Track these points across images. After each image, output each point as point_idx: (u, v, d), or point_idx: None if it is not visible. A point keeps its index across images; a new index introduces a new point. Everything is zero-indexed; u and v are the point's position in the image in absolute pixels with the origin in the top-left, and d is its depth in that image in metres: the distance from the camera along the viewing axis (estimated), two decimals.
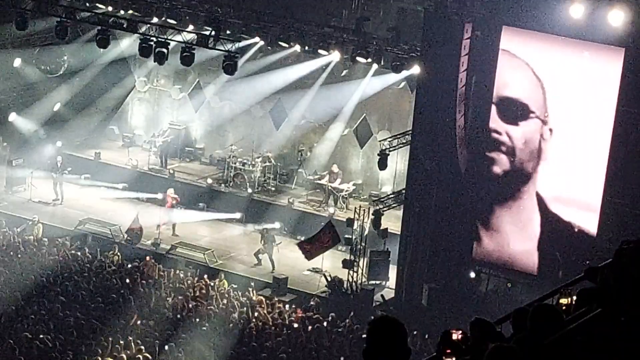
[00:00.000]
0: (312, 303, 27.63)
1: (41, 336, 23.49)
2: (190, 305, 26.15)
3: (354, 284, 29.05)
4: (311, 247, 29.22)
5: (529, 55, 26.28)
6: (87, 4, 32.16)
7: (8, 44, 33.88)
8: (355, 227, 29.59)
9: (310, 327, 25.24)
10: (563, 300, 7.50)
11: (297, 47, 31.57)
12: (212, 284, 28.10)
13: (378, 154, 30.22)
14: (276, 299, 27.83)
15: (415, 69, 28.86)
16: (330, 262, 30.32)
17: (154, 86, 38.22)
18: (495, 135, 26.90)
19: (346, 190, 33.45)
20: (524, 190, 26.81)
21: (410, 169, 28.95)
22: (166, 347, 23.57)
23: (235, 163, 34.78)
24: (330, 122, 34.86)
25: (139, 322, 24.77)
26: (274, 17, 31.39)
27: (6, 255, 28.54)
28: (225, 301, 26.66)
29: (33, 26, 31.93)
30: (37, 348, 23.00)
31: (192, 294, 26.99)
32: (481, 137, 27.12)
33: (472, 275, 27.51)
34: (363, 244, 29.58)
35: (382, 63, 30.14)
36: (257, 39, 31.80)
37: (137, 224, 31.14)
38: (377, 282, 29.48)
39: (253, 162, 34.82)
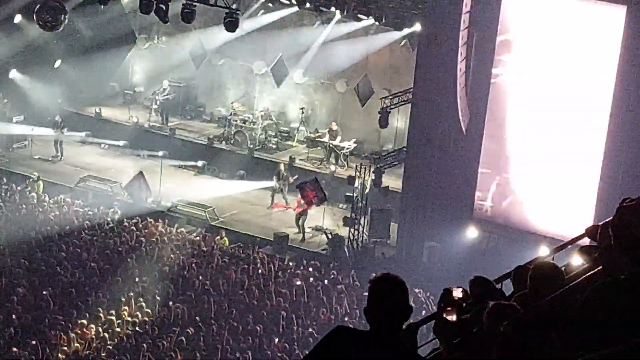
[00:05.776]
0: (313, 261, 27.70)
1: (44, 292, 23.64)
2: (192, 263, 26.22)
3: (355, 241, 29.12)
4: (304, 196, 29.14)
5: (531, 13, 26.16)
6: None
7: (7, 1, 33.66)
8: (356, 184, 29.61)
9: (311, 285, 25.32)
10: None
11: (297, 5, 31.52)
12: (213, 242, 28.18)
13: (379, 112, 30.17)
14: (277, 256, 27.91)
15: (417, 27, 28.77)
16: (331, 220, 30.39)
17: (155, 43, 38.06)
18: (496, 93, 26.85)
19: (347, 148, 33.41)
20: (524, 150, 26.79)
21: (411, 127, 28.91)
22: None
23: (236, 120, 34.71)
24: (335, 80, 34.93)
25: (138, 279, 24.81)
26: None
27: (9, 212, 28.59)
28: (226, 259, 26.76)
29: None
30: (37, 306, 23.13)
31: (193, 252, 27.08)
32: (482, 96, 27.05)
33: (473, 233, 27.55)
34: (364, 202, 29.61)
35: (383, 21, 30.00)
36: None
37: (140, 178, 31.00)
38: (378, 239, 29.55)
39: (254, 120, 34.76)
